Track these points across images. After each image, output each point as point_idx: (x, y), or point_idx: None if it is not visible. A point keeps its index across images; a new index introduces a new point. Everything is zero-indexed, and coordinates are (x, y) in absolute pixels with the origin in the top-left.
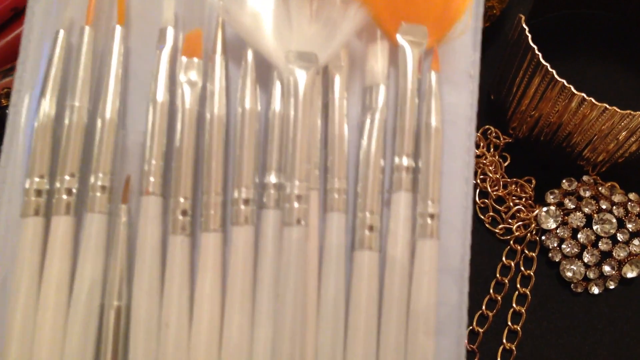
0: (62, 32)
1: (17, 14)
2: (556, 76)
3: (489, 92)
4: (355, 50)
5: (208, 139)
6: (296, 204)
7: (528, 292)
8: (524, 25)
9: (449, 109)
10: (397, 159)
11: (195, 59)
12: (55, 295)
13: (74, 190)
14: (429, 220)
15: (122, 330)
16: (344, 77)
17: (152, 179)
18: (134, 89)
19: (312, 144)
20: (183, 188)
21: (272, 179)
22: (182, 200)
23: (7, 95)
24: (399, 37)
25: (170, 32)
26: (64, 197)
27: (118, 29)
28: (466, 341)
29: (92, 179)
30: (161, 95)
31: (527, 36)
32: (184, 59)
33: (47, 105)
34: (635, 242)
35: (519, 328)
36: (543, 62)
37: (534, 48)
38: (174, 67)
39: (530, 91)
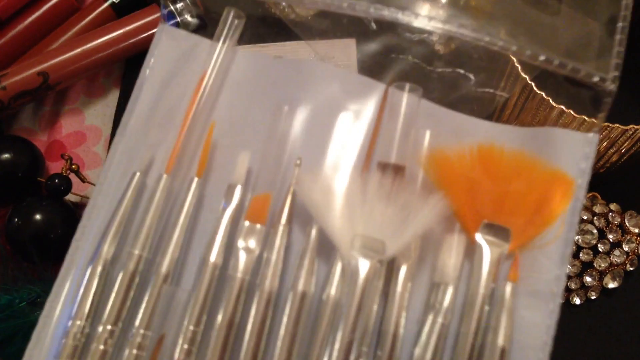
0: (137, 174)
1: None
2: (535, 88)
3: None
4: (428, 239)
5: (254, 313)
6: None
7: None
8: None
9: (520, 327)
10: None
11: (258, 225)
12: None
13: (112, 341)
14: None
15: None
16: (411, 267)
17: (186, 346)
18: (198, 244)
19: (364, 333)
20: None
21: None
22: None
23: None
24: (478, 236)
25: (237, 192)
26: (101, 347)
27: (195, 182)
28: None
29: (132, 334)
30: (214, 257)
31: None
32: (246, 223)
33: (107, 248)
34: (616, 252)
35: None
36: (522, 74)
37: (513, 60)
38: (235, 229)
39: (511, 102)
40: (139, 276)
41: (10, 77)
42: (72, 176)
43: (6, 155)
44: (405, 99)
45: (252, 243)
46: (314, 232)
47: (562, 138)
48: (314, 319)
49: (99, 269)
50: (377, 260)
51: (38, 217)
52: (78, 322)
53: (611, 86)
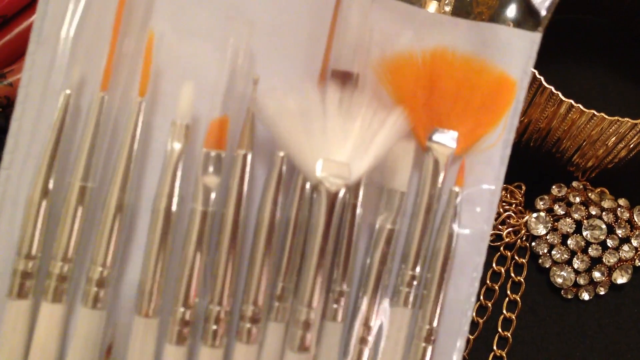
0: (68, 92)
1: (5, 21)
2: (544, 83)
3: None
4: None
5: (219, 243)
6: (300, 331)
7: (518, 299)
8: None
9: (464, 224)
10: (403, 271)
11: (218, 152)
12: None
13: (66, 277)
14: (423, 343)
15: None
16: (363, 178)
17: (149, 298)
18: (152, 169)
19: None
20: (185, 296)
21: (279, 291)
22: (182, 309)
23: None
24: (429, 143)
25: (184, 130)
26: (54, 283)
27: (139, 102)
28: None
29: (88, 269)
30: (165, 203)
31: None
32: (204, 150)
33: (43, 179)
34: (625, 247)
35: (509, 335)
36: (531, 68)
37: None
38: (190, 162)
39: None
40: (85, 210)
41: (17, 73)
42: None
43: None
44: None
45: (213, 171)
46: (279, 158)
47: (507, 36)
48: (282, 245)
49: (38, 199)
50: (343, 184)
51: None
52: (24, 260)
53: None
